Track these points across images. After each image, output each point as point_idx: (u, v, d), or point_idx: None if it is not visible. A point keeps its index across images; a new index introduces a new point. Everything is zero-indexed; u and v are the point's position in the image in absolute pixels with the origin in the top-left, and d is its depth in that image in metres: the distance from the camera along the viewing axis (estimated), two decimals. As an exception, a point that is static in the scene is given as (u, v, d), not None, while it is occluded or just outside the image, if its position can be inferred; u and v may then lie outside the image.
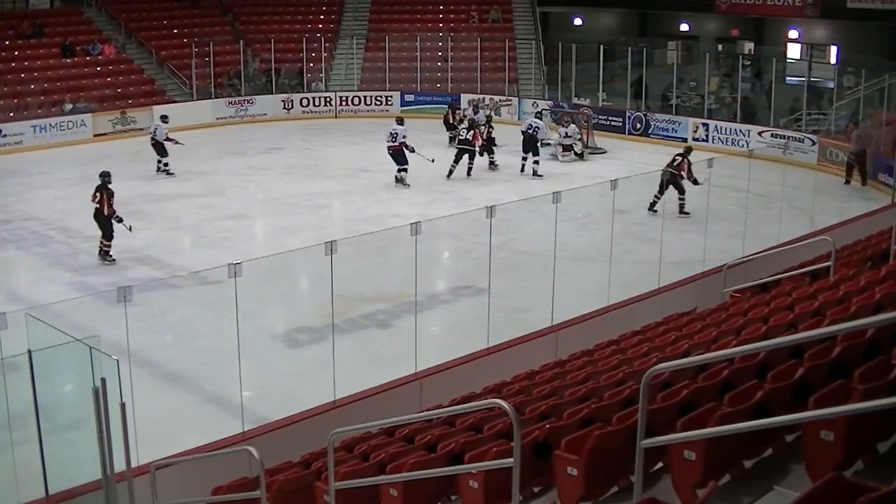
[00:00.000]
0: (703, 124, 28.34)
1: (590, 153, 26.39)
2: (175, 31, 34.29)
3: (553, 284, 12.67)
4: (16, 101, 28.84)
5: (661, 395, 6.76)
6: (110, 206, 16.93)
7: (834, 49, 33.79)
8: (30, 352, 8.07)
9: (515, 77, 33.54)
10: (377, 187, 22.74)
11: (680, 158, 19.54)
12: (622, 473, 6.18)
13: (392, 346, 13.38)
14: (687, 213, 19.45)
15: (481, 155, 23.85)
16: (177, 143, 23.85)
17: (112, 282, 15.05)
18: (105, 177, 17.19)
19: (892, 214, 16.89)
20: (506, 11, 36.30)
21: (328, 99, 33.28)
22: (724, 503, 5.26)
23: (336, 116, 32.74)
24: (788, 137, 25.62)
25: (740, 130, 27.64)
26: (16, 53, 31.00)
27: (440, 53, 34.24)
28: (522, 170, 23.86)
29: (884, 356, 6.04)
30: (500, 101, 32.25)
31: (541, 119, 25.78)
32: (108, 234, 17.02)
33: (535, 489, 6.78)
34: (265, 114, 32.23)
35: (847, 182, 23.53)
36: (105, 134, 29.11)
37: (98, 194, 16.99)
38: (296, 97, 33.05)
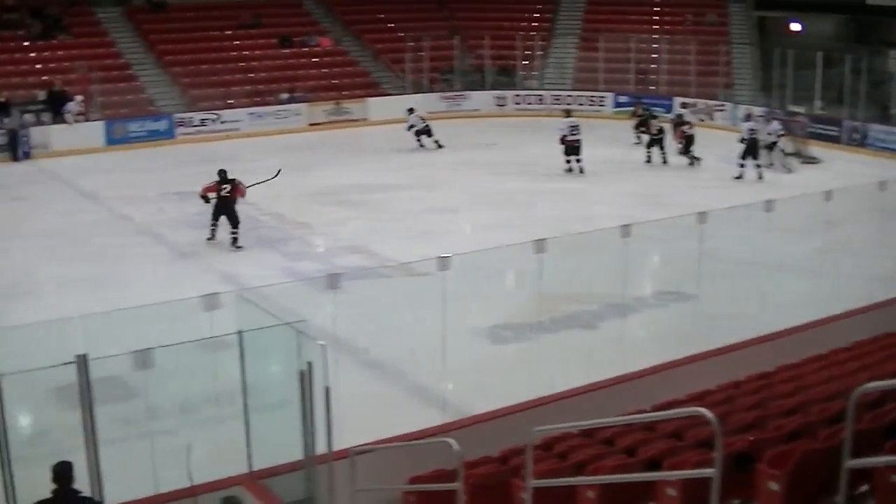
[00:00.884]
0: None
1: (803, 162, 25.31)
2: (390, 24, 35.02)
3: (761, 294, 12.14)
4: (233, 88, 30.08)
5: (869, 416, 6.43)
6: (242, 193, 17.58)
7: None
8: (240, 332, 8.25)
9: (730, 82, 32.44)
10: (583, 187, 22.55)
11: None
12: (825, 493, 5.90)
13: (596, 347, 13.11)
14: None
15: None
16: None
17: (321, 269, 15.46)
18: (224, 172, 17.69)
19: None
20: (721, 15, 35.15)
21: (541, 97, 33.16)
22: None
23: (549, 115, 32.51)
24: None
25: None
26: (235, 43, 32.37)
27: (654, 56, 33.52)
28: (741, 176, 23.13)
29: None
30: (711, 106, 31.25)
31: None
32: (235, 222, 17.60)
33: (735, 501, 6.52)
34: (478, 109, 32.44)
35: None
36: (319, 123, 30.08)
37: (224, 186, 17.44)
38: (509, 94, 33.09)
